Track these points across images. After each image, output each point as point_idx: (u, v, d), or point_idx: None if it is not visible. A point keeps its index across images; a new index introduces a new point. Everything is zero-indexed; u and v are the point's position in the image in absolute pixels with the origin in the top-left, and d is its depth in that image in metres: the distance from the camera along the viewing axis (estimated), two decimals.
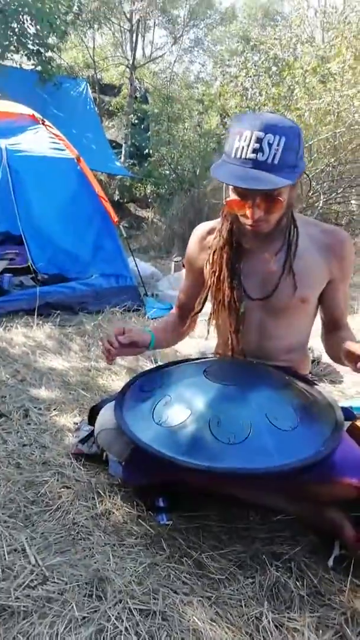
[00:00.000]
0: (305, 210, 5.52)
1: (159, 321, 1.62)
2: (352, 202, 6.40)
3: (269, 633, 0.99)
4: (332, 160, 5.69)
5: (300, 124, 5.62)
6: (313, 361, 2.35)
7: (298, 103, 5.52)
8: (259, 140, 1.13)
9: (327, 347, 1.51)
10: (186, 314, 1.57)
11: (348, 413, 1.67)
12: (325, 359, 2.44)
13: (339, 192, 5.92)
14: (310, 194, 5.78)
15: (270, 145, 1.13)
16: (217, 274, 1.39)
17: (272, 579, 1.12)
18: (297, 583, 1.12)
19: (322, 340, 1.53)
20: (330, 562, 1.17)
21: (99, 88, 11.65)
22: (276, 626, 1.01)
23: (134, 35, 11.79)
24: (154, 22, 14.42)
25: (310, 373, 2.25)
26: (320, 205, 5.69)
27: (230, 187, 1.23)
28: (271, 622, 1.01)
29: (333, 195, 5.97)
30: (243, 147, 1.15)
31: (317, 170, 5.71)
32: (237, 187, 1.19)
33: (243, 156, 1.15)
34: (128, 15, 11.56)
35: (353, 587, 1.11)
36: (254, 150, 1.13)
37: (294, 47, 5.98)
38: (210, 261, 1.41)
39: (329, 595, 1.09)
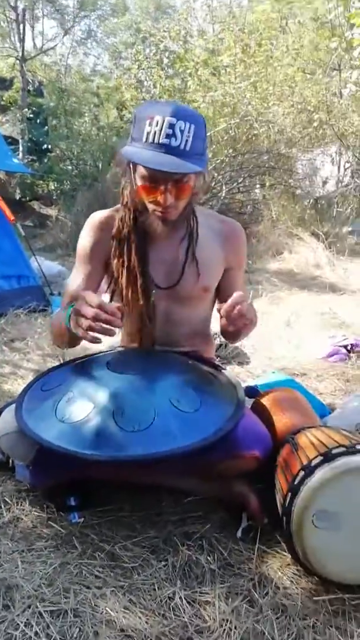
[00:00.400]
0: (209, 200, 5.66)
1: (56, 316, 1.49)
2: (256, 191, 6.67)
3: (181, 610, 1.01)
4: (231, 150, 5.86)
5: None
6: (220, 345, 2.43)
7: (193, 95, 5.61)
8: (172, 125, 1.14)
9: (223, 331, 1.50)
10: None
11: (252, 390, 1.75)
12: None
13: (239, 181, 6.12)
14: (213, 184, 5.92)
15: (182, 131, 1.14)
16: (125, 265, 1.35)
17: (184, 558, 1.14)
18: (208, 558, 1.15)
19: (220, 327, 1.55)
20: (239, 534, 1.21)
21: None
22: (188, 602, 1.03)
23: (22, 25, 11.30)
24: (42, 12, 13.92)
25: (218, 357, 2.33)
26: (224, 195, 5.85)
27: (139, 173, 1.22)
28: (183, 599, 1.03)
29: (235, 185, 6.17)
30: (155, 132, 1.15)
31: (217, 161, 5.87)
32: (150, 172, 1.18)
33: (156, 141, 1.15)
34: (12, 4, 11.04)
35: (260, 553, 1.16)
36: (167, 136, 1.14)
37: (184, 39, 6.08)
38: (118, 251, 1.37)
39: (239, 565, 1.13)
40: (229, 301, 1.13)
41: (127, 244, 1.35)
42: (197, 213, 1.39)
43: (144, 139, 1.16)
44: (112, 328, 1.09)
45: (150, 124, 1.15)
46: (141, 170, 1.21)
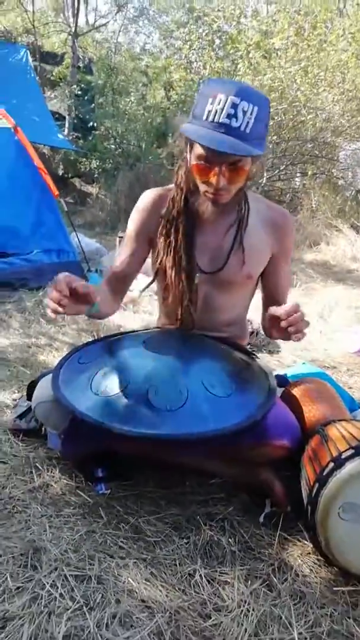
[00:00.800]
0: (249, 187, 5.57)
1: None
2: (297, 179, 6.53)
3: (201, 587, 1.03)
4: (275, 137, 5.75)
5: None
6: (252, 333, 2.42)
7: (242, 78, 5.50)
8: (234, 105, 1.10)
9: (263, 323, 1.50)
10: (119, 286, 1.49)
11: (282, 380, 1.75)
12: None
13: (281, 168, 6.01)
14: (254, 170, 5.83)
15: (244, 112, 1.11)
16: (172, 245, 1.35)
17: (206, 537, 1.17)
18: (230, 540, 1.17)
19: (262, 317, 1.52)
20: (261, 519, 1.23)
21: (39, 56, 11.08)
22: (208, 580, 1.05)
23: (76, 0, 11.26)
24: None
25: (249, 344, 2.32)
26: (264, 182, 5.76)
27: (195, 153, 1.19)
28: (203, 577, 1.05)
29: (276, 172, 6.06)
30: (217, 111, 1.12)
31: None
32: (205, 151, 1.16)
33: (216, 120, 1.12)
34: None
35: (281, 540, 1.17)
36: (229, 116, 1.11)
37: (238, 20, 5.94)
38: (165, 231, 1.36)
39: (259, 549, 1.15)
40: (291, 305, 1.13)
41: (175, 224, 1.34)
42: (249, 199, 1.36)
43: (205, 117, 1.14)
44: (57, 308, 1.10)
45: (212, 102, 1.12)
46: (197, 149, 1.18)
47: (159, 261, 1.39)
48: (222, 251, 1.36)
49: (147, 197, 1.43)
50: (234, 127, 1.11)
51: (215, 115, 1.12)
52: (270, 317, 1.19)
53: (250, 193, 1.43)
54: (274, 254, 1.43)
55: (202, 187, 1.24)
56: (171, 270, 1.36)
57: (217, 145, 1.11)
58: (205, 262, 1.38)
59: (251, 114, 1.11)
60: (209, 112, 1.13)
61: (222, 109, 1.11)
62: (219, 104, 1.11)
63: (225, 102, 1.11)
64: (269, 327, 1.26)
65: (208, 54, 5.85)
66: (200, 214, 1.32)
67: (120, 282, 1.48)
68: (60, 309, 1.10)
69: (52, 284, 1.11)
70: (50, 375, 1.35)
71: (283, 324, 1.12)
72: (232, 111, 1.10)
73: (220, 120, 1.12)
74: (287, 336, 1.18)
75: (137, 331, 1.63)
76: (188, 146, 1.24)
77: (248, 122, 1.12)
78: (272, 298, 1.49)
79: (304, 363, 2.16)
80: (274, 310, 1.15)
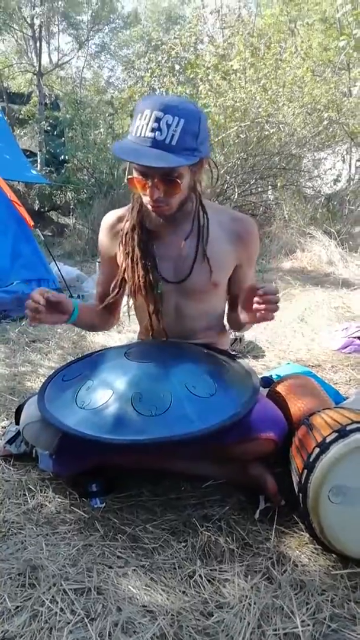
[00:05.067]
0: (222, 203, 5.69)
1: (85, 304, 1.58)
2: (268, 192, 6.68)
3: (201, 587, 1.03)
4: (242, 154, 5.90)
5: (209, 121, 5.80)
6: (235, 340, 2.45)
7: (205, 100, 5.67)
8: (158, 119, 1.14)
9: (229, 320, 1.59)
10: (106, 306, 1.55)
11: (268, 381, 1.78)
12: (248, 336, 2.56)
13: (251, 183, 6.15)
14: (225, 187, 5.96)
15: (168, 125, 1.14)
16: (130, 256, 1.40)
17: (204, 539, 1.17)
18: (227, 539, 1.17)
19: (226, 316, 1.59)
20: (257, 515, 1.23)
21: (6, 97, 11.32)
22: (208, 580, 1.05)
23: (38, 41, 11.58)
24: (58, 28, 14.24)
25: (233, 351, 2.35)
26: (236, 197, 5.88)
27: (133, 166, 1.24)
28: (203, 577, 1.05)
29: (247, 187, 6.19)
30: (143, 126, 1.16)
31: (229, 164, 5.90)
32: (137, 165, 1.20)
33: (142, 134, 1.16)
34: (29, 21, 11.33)
35: (278, 533, 1.18)
36: (152, 129, 1.14)
37: (194, 46, 6.15)
38: (123, 243, 1.41)
39: (257, 545, 1.15)
40: (265, 290, 1.19)
41: (131, 235, 1.39)
42: (207, 209, 1.39)
43: (134, 132, 1.18)
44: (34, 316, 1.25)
45: (140, 118, 1.17)
46: (133, 164, 1.23)
47: (122, 275, 1.44)
48: (185, 261, 1.39)
49: (105, 220, 1.50)
50: (159, 140, 1.14)
51: (141, 130, 1.16)
52: (248, 290, 1.23)
53: (214, 205, 1.49)
54: (240, 263, 1.45)
55: (145, 200, 1.29)
56: (132, 281, 1.40)
57: (136, 159, 1.16)
58: (170, 272, 1.40)
59: (176, 126, 1.14)
60: (137, 127, 1.17)
61: (147, 124, 1.15)
62: (145, 119, 1.16)
63: (150, 117, 1.15)
64: (243, 302, 1.29)
65: (169, 79, 6.04)
66: (154, 227, 1.36)
67: (111, 297, 1.53)
68: (38, 316, 1.25)
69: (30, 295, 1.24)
70: (36, 396, 1.36)
71: (256, 299, 1.17)
72: (156, 125, 1.14)
73: (145, 135, 1.16)
74: (253, 318, 1.23)
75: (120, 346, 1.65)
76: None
77: (173, 135, 1.14)
78: (235, 299, 1.51)
79: (288, 363, 2.19)
80: (255, 285, 1.20)
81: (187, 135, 1.16)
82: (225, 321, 1.61)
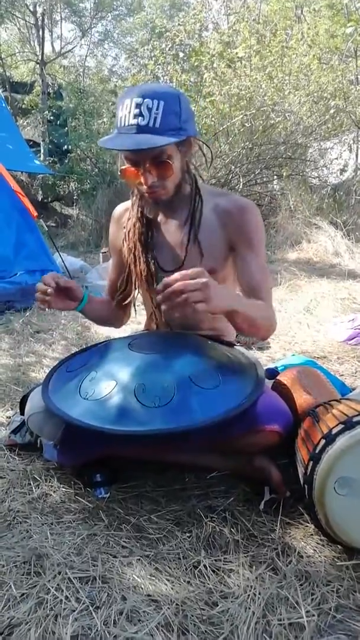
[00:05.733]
0: (207, 182, 5.64)
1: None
2: (274, 182, 6.62)
3: (206, 577, 1.03)
4: (247, 143, 5.84)
5: (214, 109, 5.75)
6: None
7: (209, 88, 5.61)
8: (138, 105, 1.15)
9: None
10: (117, 302, 1.56)
11: (273, 372, 1.76)
12: None
13: (256, 173, 6.10)
14: (230, 177, 5.91)
15: (149, 109, 1.15)
16: (132, 251, 1.41)
17: (208, 529, 1.17)
18: (232, 530, 1.17)
19: None
20: (262, 506, 1.23)
21: (9, 86, 11.24)
22: (213, 570, 1.05)
23: (41, 30, 11.46)
24: (61, 16, 14.09)
25: (239, 342, 2.33)
26: (241, 187, 5.84)
27: (122, 158, 1.25)
28: (208, 567, 1.05)
29: (252, 176, 6.14)
30: (125, 115, 1.18)
31: (234, 154, 5.85)
32: (125, 154, 1.22)
33: (126, 123, 1.18)
34: (31, 9, 11.21)
35: (283, 524, 1.17)
36: (135, 116, 1.16)
37: (199, 33, 6.08)
38: (126, 239, 1.42)
39: (262, 536, 1.15)
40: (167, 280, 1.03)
41: (133, 230, 1.40)
42: (206, 193, 1.37)
43: (118, 124, 1.20)
44: (44, 300, 1.27)
45: (122, 109, 1.18)
46: (123, 154, 1.24)
47: (127, 271, 1.45)
48: (180, 248, 1.38)
49: (115, 212, 1.52)
50: (142, 125, 1.16)
51: (125, 120, 1.18)
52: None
53: (214, 189, 1.46)
54: (235, 246, 1.35)
55: (140, 190, 1.29)
56: (135, 274, 1.41)
57: (122, 145, 1.17)
58: (167, 261, 1.40)
59: (157, 108, 1.15)
60: (120, 118, 1.19)
61: (129, 112, 1.16)
62: (126, 108, 1.17)
63: (130, 105, 1.16)
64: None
65: (173, 67, 5.98)
66: (154, 216, 1.36)
67: (119, 293, 1.54)
68: (47, 299, 1.26)
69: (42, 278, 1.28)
70: (41, 387, 1.36)
71: (159, 298, 1.04)
72: (137, 111, 1.15)
73: (129, 123, 1.17)
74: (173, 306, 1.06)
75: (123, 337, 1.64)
76: (118, 158, 1.30)
77: (156, 117, 1.15)
78: (247, 291, 1.38)
79: (293, 355, 2.18)
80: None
81: (169, 115, 1.17)
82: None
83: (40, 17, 11.34)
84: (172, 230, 1.39)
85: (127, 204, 1.48)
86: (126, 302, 1.55)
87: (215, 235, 1.36)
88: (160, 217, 1.37)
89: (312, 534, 1.14)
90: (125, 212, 1.47)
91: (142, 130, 1.16)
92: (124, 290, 1.52)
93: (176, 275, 1.05)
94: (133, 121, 1.16)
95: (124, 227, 1.45)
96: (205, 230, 1.36)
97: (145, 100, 1.15)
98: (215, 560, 1.08)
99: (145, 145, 1.16)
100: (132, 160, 1.23)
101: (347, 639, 0.89)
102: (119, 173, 1.29)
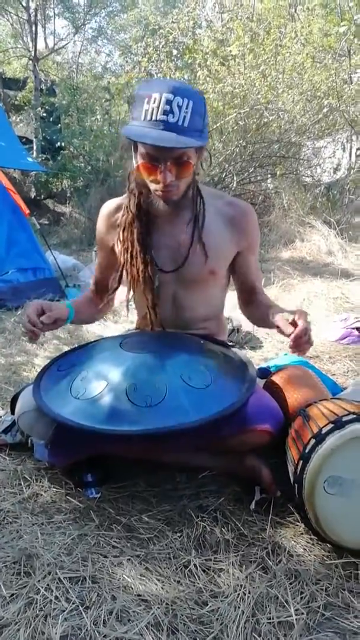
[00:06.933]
0: (210, 184, 5.64)
1: (79, 297, 1.59)
2: (268, 181, 6.62)
3: (196, 577, 1.04)
4: (241, 141, 5.83)
5: (208, 107, 5.72)
6: (233, 330, 2.44)
7: (203, 86, 5.59)
8: (169, 102, 1.13)
9: (248, 314, 1.55)
10: (102, 291, 1.56)
11: (265, 372, 1.77)
12: (245, 327, 2.55)
13: (250, 171, 6.09)
14: (223, 176, 5.91)
15: (179, 107, 1.14)
16: (129, 251, 1.38)
17: (199, 529, 1.17)
18: (223, 529, 1.17)
19: (242, 311, 1.57)
20: (252, 506, 1.23)
21: (2, 83, 11.15)
22: (203, 570, 1.05)
23: (33, 25, 11.37)
24: (54, 12, 13.98)
25: (231, 342, 2.34)
26: (235, 186, 5.83)
27: (140, 153, 1.22)
28: (198, 566, 1.06)
29: (246, 175, 6.14)
30: (153, 109, 1.14)
31: (227, 152, 5.84)
32: (148, 149, 1.19)
33: (154, 118, 1.15)
34: (24, 4, 11.12)
35: (273, 524, 1.18)
36: (165, 112, 1.14)
37: (192, 30, 6.06)
38: (121, 239, 1.39)
39: (252, 535, 1.15)
40: (299, 329, 1.13)
41: (130, 230, 1.37)
42: (203, 194, 1.38)
43: (143, 117, 1.16)
44: (33, 337, 1.29)
45: (148, 102, 1.15)
46: (141, 148, 1.21)
47: (121, 267, 1.42)
48: (182, 249, 1.37)
49: (103, 209, 1.48)
50: (171, 122, 1.14)
51: (152, 114, 1.15)
52: (277, 328, 1.20)
53: (207, 189, 1.45)
54: (241, 251, 1.43)
55: (152, 187, 1.26)
56: (131, 274, 1.39)
57: (158, 141, 1.14)
58: (166, 261, 1.39)
59: (187, 108, 1.14)
60: (146, 111, 1.16)
61: (158, 107, 1.14)
62: (154, 102, 1.14)
63: (160, 100, 1.14)
64: (272, 321, 1.25)
65: (167, 65, 5.95)
66: (155, 215, 1.34)
67: (104, 288, 1.55)
68: (35, 336, 1.28)
69: (24, 314, 1.29)
70: (32, 386, 1.36)
71: (291, 345, 1.15)
72: (168, 107, 1.13)
73: (157, 118, 1.14)
74: (302, 348, 1.18)
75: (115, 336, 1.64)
76: (132, 148, 1.26)
77: (185, 117, 1.14)
78: (247, 289, 1.50)
79: (285, 354, 2.18)
80: (284, 328, 1.16)
81: (196, 116, 1.16)
82: (231, 316, 1.60)
83: (33, 13, 11.23)
84: (172, 230, 1.38)
85: (118, 200, 1.45)
86: (106, 293, 1.55)
87: (221, 237, 1.38)
88: (161, 217, 1.35)
89: (302, 533, 1.15)
90: (117, 210, 1.43)
91: (171, 127, 1.14)
92: (115, 290, 1.52)
93: (303, 329, 1.14)
94: (162, 117, 1.14)
95: (118, 226, 1.41)
96: (210, 232, 1.36)
97: (176, 97, 1.13)
98: (206, 559, 1.08)
99: (178, 145, 1.15)
100: (153, 156, 1.20)
101: (336, 637, 0.90)
102: (134, 168, 1.26)
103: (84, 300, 1.58)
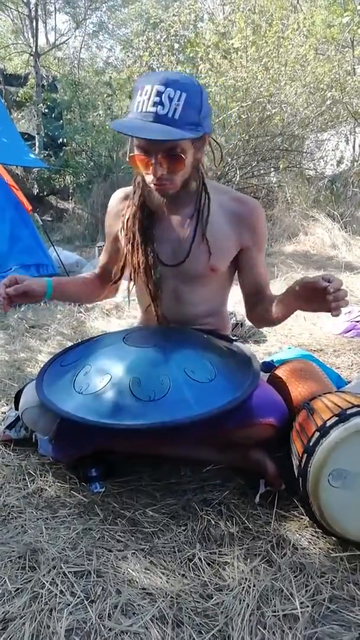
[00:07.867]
0: (213, 178, 5.62)
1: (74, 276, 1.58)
2: (271, 174, 6.59)
3: (201, 570, 1.03)
4: (244, 135, 5.81)
5: (210, 101, 5.70)
6: (236, 325, 2.43)
7: (205, 80, 5.56)
8: (159, 93, 1.11)
9: (256, 319, 1.47)
10: (105, 275, 1.55)
11: (268, 366, 1.76)
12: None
13: (253, 165, 6.07)
14: (226, 169, 5.88)
15: (170, 99, 1.11)
16: (131, 241, 1.37)
17: (204, 523, 1.17)
18: (227, 523, 1.17)
19: (248, 318, 1.52)
20: (257, 499, 1.23)
21: (3, 79, 11.12)
22: (208, 563, 1.05)
23: (34, 21, 11.33)
24: (55, 7, 13.93)
25: (235, 336, 2.33)
26: (238, 179, 5.81)
27: (135, 143, 1.20)
28: (203, 560, 1.06)
29: (249, 169, 6.11)
30: (144, 101, 1.13)
31: (230, 146, 5.82)
32: (139, 141, 1.17)
33: (144, 110, 1.13)
34: (25, 0, 11.08)
35: (278, 517, 1.18)
36: (154, 104, 1.11)
37: (194, 23, 6.02)
38: (125, 228, 1.38)
39: (257, 528, 1.15)
40: (336, 281, 1.05)
41: (132, 220, 1.36)
42: (209, 190, 1.36)
43: (135, 109, 1.15)
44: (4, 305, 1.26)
45: (141, 94, 1.14)
46: (135, 141, 1.19)
47: (124, 259, 1.41)
48: (184, 243, 1.35)
49: (113, 199, 1.48)
50: (161, 114, 1.11)
51: (142, 106, 1.13)
52: (308, 287, 1.10)
53: (215, 184, 1.43)
54: (246, 248, 1.39)
55: (147, 179, 1.25)
56: (132, 266, 1.38)
57: (139, 132, 1.12)
58: (168, 255, 1.37)
59: (178, 100, 1.11)
60: (138, 103, 1.14)
61: (149, 99, 1.12)
62: (145, 94, 1.12)
63: (151, 92, 1.12)
64: (299, 297, 1.16)
65: (168, 59, 5.92)
66: (157, 208, 1.33)
67: (107, 273, 1.53)
68: (7, 303, 1.26)
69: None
70: (35, 381, 1.36)
71: (329, 297, 1.03)
72: (158, 99, 1.11)
73: (147, 110, 1.12)
74: (309, 308, 1.13)
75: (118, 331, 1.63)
76: (130, 140, 1.25)
77: (176, 109, 1.11)
78: (255, 292, 1.44)
79: (289, 348, 2.18)
80: (318, 282, 1.06)
81: (190, 109, 1.13)
82: (234, 311, 1.58)
83: (34, 8, 11.19)
84: (175, 225, 1.36)
85: (127, 189, 1.43)
86: (110, 279, 1.53)
87: (224, 234, 1.36)
88: (163, 210, 1.34)
89: (306, 526, 1.15)
90: (125, 199, 1.42)
91: (160, 119, 1.12)
92: (118, 280, 1.50)
93: (340, 282, 1.05)
94: (152, 109, 1.12)
95: (123, 215, 1.40)
96: (214, 228, 1.35)
97: (168, 89, 1.11)
98: (210, 553, 1.08)
99: (162, 137, 1.12)
100: (144, 148, 1.18)
101: (341, 629, 0.90)
102: (127, 159, 1.26)
103: (79, 278, 1.57)
